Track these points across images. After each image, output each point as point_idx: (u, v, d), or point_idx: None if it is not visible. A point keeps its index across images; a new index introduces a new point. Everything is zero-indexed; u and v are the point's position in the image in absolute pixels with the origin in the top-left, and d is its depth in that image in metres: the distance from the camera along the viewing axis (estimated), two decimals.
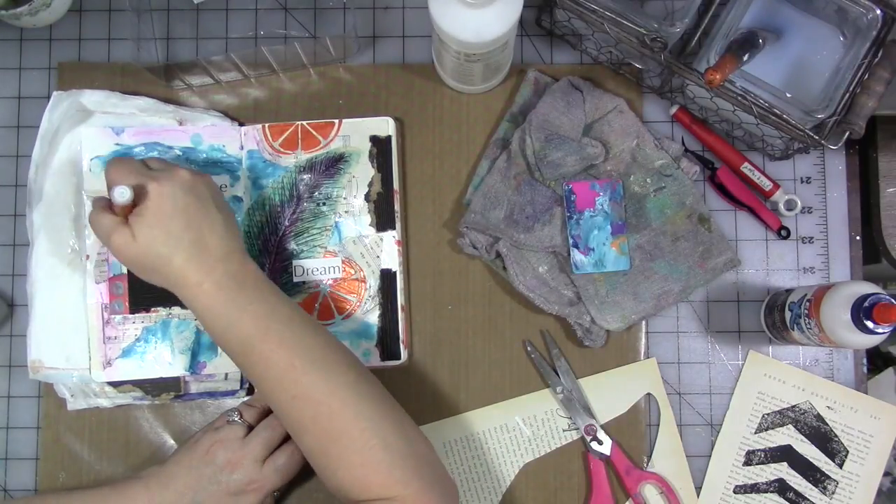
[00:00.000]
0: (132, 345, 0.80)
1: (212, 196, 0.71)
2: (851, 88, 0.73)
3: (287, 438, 0.75)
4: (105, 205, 0.70)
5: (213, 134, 0.83)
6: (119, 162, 0.70)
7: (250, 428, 0.75)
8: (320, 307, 0.81)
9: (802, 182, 0.85)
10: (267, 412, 0.77)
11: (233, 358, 0.69)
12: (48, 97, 0.83)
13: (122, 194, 0.66)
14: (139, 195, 0.68)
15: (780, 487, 0.81)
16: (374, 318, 0.81)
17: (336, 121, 0.83)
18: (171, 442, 0.81)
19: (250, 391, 0.83)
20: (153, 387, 0.80)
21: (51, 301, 0.80)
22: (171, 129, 0.82)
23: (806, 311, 0.73)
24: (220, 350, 0.80)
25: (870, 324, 0.68)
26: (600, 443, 0.81)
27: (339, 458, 0.65)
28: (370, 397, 0.67)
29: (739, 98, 0.73)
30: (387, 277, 0.82)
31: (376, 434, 0.65)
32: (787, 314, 0.77)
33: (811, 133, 0.73)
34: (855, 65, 0.73)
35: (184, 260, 0.67)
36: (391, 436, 0.66)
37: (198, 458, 0.73)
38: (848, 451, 0.81)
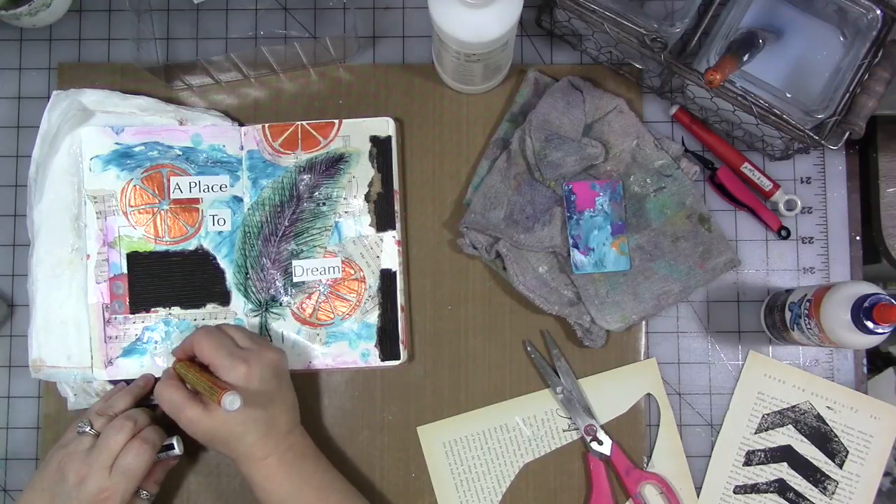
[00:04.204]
0: (133, 344, 0.80)
1: (287, 374, 0.75)
2: (851, 88, 0.73)
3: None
4: (176, 381, 0.73)
5: (213, 134, 0.83)
6: (209, 336, 0.73)
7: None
8: (320, 307, 0.81)
9: (802, 182, 0.85)
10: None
11: None
12: (48, 97, 0.83)
13: (234, 402, 0.66)
14: (221, 374, 0.71)
15: (780, 488, 0.81)
16: (373, 318, 0.81)
17: (336, 121, 0.83)
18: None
19: None
20: (153, 386, 0.80)
21: (52, 300, 0.80)
22: (171, 129, 0.82)
23: (806, 312, 0.73)
24: None
25: (870, 324, 0.68)
26: (600, 443, 0.81)
27: None
28: None
29: (739, 98, 0.73)
30: (387, 277, 0.82)
31: None
32: (787, 314, 0.77)
33: (811, 133, 0.73)
34: (855, 65, 0.73)
35: (256, 438, 0.71)
36: None
37: (49, 479, 0.72)
38: (848, 452, 0.81)
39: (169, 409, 0.71)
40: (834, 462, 0.81)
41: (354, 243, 0.82)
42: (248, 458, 0.71)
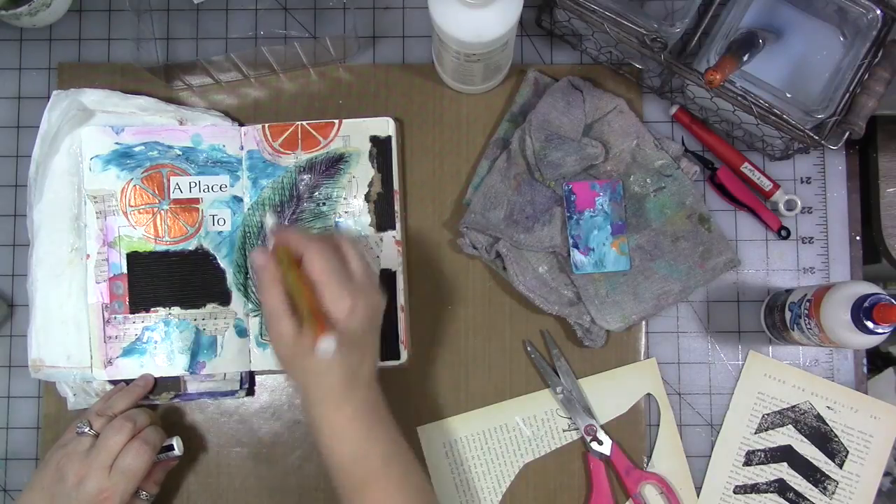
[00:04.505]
0: (133, 344, 0.80)
1: (380, 324, 0.70)
2: (851, 88, 0.73)
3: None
4: (282, 285, 0.65)
5: (213, 134, 0.83)
6: (324, 255, 0.65)
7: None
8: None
9: (802, 182, 0.85)
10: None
11: (340, 485, 0.67)
12: (48, 97, 0.83)
13: (328, 348, 0.61)
14: (324, 297, 0.64)
15: (780, 488, 0.81)
16: None
17: (336, 121, 0.83)
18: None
19: (250, 391, 0.82)
20: (153, 386, 0.80)
21: (51, 300, 0.80)
22: (171, 129, 0.82)
23: (806, 312, 0.73)
24: (218, 350, 0.80)
25: (870, 324, 0.68)
26: (600, 443, 0.81)
27: None
28: None
29: (739, 98, 0.73)
30: (387, 277, 0.81)
31: None
32: (787, 314, 0.77)
33: (811, 133, 0.73)
34: (855, 65, 0.73)
35: (336, 381, 0.66)
36: None
37: (49, 479, 0.72)
38: (848, 452, 0.81)
39: (266, 311, 0.66)
40: (834, 462, 0.81)
41: None
42: (323, 401, 0.66)
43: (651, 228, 0.82)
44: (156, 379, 0.80)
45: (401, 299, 0.81)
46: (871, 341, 0.70)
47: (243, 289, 0.81)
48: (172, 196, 0.82)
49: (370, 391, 0.68)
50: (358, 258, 0.68)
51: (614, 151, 0.83)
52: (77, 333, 0.80)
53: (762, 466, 0.81)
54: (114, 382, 0.80)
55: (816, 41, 0.77)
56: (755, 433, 0.82)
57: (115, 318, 0.80)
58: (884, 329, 0.68)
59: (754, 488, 0.81)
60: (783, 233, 0.83)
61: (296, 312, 0.64)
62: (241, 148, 0.83)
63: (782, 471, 0.81)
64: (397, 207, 0.83)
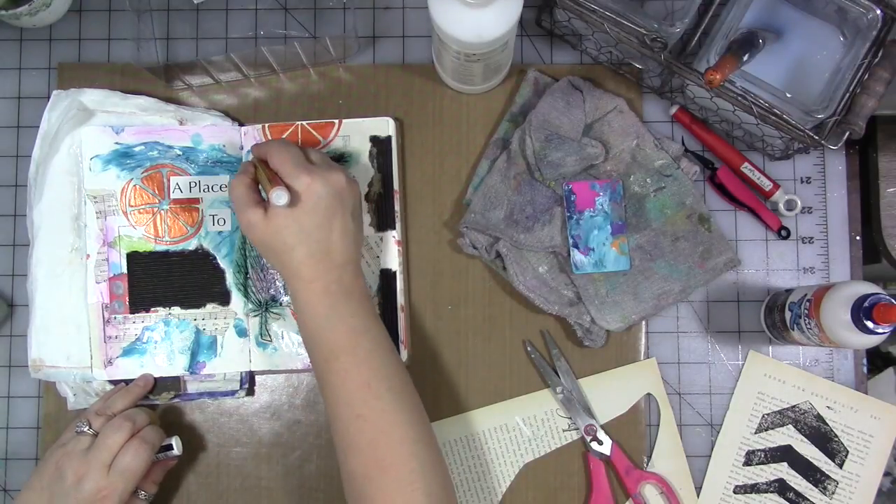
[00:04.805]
0: (133, 344, 0.80)
1: (353, 205, 0.73)
2: (851, 88, 0.73)
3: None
4: (250, 178, 0.72)
5: (213, 134, 0.83)
6: (283, 145, 0.72)
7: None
8: None
9: (802, 182, 0.85)
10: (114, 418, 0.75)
11: (313, 359, 0.71)
12: (48, 97, 0.83)
13: (280, 198, 0.67)
14: (284, 180, 0.70)
15: (780, 487, 0.81)
16: None
17: (336, 121, 0.83)
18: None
19: (250, 391, 0.83)
20: (153, 386, 0.80)
21: (51, 300, 0.80)
22: (171, 129, 0.82)
23: (806, 311, 0.73)
24: (218, 350, 0.81)
25: (870, 324, 0.68)
26: (600, 443, 0.81)
27: (380, 488, 0.66)
28: (426, 442, 0.69)
29: (739, 98, 0.73)
30: (387, 277, 0.82)
31: (423, 479, 0.66)
32: (787, 314, 0.77)
33: (811, 133, 0.73)
34: (855, 65, 0.73)
35: (305, 255, 0.69)
36: (435, 485, 0.67)
37: (48, 478, 0.72)
38: (848, 452, 0.81)
39: (235, 203, 0.72)
40: (834, 462, 0.81)
41: None
42: (296, 275, 0.70)
43: (651, 228, 0.82)
44: (156, 379, 0.80)
45: (401, 299, 0.81)
46: (871, 341, 0.70)
47: (243, 289, 0.81)
48: (172, 196, 0.82)
49: (345, 273, 0.71)
50: (315, 151, 0.74)
51: (614, 151, 0.83)
52: (77, 333, 0.80)
53: (762, 466, 0.81)
54: (114, 382, 0.80)
55: (816, 41, 0.77)
56: (755, 433, 0.82)
57: (115, 317, 0.80)
58: (884, 329, 0.68)
59: (754, 488, 0.81)
60: (783, 233, 0.83)
61: (262, 203, 0.71)
62: (242, 148, 0.83)
63: (782, 471, 0.81)
64: (397, 207, 0.83)
